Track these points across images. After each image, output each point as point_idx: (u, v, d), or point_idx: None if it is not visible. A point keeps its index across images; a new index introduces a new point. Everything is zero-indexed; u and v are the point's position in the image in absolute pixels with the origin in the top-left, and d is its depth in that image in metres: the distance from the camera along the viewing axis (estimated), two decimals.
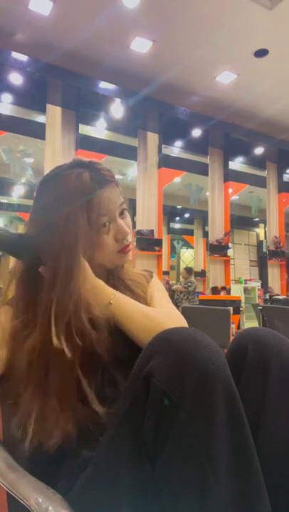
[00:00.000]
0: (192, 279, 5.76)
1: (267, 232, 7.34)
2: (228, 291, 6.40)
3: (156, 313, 0.73)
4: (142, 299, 0.80)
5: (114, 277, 0.81)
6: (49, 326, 0.62)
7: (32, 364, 0.63)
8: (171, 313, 0.77)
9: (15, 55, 4.69)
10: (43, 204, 0.73)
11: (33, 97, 5.06)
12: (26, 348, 0.64)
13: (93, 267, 0.73)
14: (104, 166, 0.75)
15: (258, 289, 6.63)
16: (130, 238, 0.76)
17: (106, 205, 0.72)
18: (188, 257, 7.03)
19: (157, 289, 0.85)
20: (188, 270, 5.94)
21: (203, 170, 6.59)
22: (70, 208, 0.68)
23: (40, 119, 5.20)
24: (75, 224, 0.68)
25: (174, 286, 5.80)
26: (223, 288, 6.42)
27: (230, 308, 2.81)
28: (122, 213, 0.76)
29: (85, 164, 0.73)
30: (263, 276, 7.23)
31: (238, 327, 5.25)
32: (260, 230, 7.76)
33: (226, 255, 6.58)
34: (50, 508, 0.48)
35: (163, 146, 6.15)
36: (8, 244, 0.74)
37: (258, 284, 6.76)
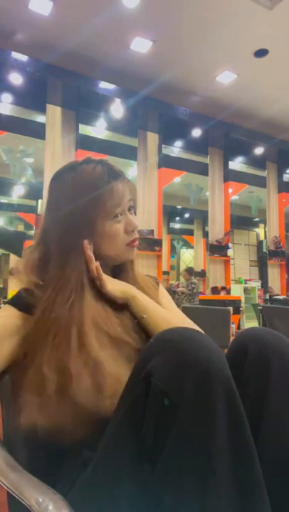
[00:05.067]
0: (194, 279, 5.76)
1: (267, 232, 7.34)
2: (228, 291, 6.40)
3: (176, 322, 0.76)
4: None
5: (128, 279, 0.81)
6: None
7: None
8: (187, 322, 0.82)
9: (15, 55, 4.69)
10: (59, 195, 0.74)
11: (33, 97, 5.06)
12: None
13: (103, 265, 0.75)
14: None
15: (258, 289, 6.63)
16: (137, 234, 0.79)
17: (119, 196, 0.74)
18: (188, 257, 7.03)
19: (166, 299, 0.88)
20: (190, 271, 5.94)
21: (203, 170, 6.58)
22: (87, 196, 0.71)
23: (40, 119, 5.20)
24: (91, 212, 0.71)
25: (179, 289, 5.78)
26: (223, 288, 6.42)
27: (230, 308, 2.82)
28: (130, 209, 0.78)
29: (98, 160, 0.77)
30: (263, 276, 7.23)
31: (238, 327, 5.25)
32: (260, 230, 7.76)
33: (226, 255, 6.58)
34: (50, 507, 0.48)
35: (163, 146, 6.15)
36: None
37: (258, 284, 6.76)
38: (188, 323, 0.81)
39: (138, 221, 0.79)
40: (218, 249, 6.54)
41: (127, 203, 0.77)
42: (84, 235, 0.71)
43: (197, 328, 0.77)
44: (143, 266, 5.58)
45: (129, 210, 0.78)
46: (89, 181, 0.72)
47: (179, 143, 6.37)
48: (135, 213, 0.80)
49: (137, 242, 0.78)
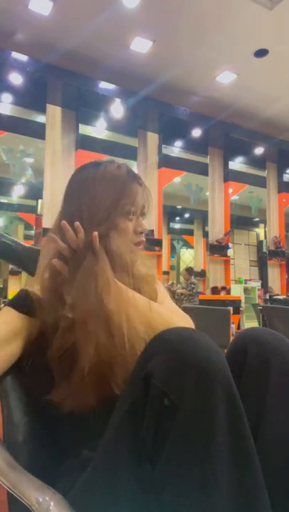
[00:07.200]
0: (193, 279, 5.76)
1: (267, 232, 7.34)
2: (228, 291, 6.40)
3: (164, 311, 0.76)
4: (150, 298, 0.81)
5: None
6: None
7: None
8: (179, 312, 0.82)
9: (15, 55, 4.69)
10: (82, 186, 0.76)
11: (33, 97, 5.06)
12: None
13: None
14: None
15: (258, 289, 6.63)
16: (144, 238, 0.81)
17: (134, 196, 0.76)
18: (188, 257, 7.04)
19: (163, 294, 0.88)
20: (190, 271, 5.94)
21: (203, 170, 6.59)
22: (108, 188, 0.73)
23: (40, 119, 5.21)
24: (108, 203, 0.73)
25: (179, 290, 5.78)
26: (223, 288, 6.43)
27: (230, 308, 2.82)
28: (142, 214, 0.81)
29: (120, 163, 0.79)
30: (263, 276, 7.24)
31: (238, 327, 5.25)
32: (260, 230, 7.76)
33: (226, 255, 6.58)
34: (50, 507, 0.48)
35: (163, 146, 6.16)
36: (15, 256, 0.76)
37: (258, 284, 6.76)
38: (183, 319, 0.80)
39: None
40: (218, 249, 6.54)
41: (141, 206, 0.79)
42: (100, 224, 0.72)
43: (188, 319, 0.79)
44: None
45: (141, 214, 0.80)
46: (111, 176, 0.75)
47: (179, 143, 6.38)
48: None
49: (141, 247, 0.80)
